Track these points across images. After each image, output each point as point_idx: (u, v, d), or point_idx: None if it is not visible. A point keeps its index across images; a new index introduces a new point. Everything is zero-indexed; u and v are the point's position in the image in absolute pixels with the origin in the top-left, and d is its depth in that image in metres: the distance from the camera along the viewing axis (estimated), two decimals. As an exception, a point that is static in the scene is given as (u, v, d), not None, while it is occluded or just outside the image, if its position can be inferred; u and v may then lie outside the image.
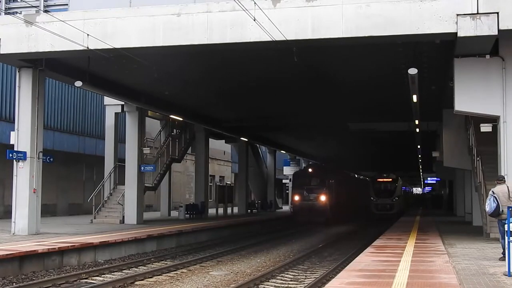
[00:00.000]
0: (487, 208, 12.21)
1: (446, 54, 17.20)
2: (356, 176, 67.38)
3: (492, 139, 17.52)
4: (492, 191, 12.33)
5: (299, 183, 38.02)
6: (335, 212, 37.94)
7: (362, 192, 53.34)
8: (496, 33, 14.41)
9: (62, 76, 21.62)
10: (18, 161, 19.25)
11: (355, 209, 48.68)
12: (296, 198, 37.11)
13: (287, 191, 57.47)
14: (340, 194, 40.73)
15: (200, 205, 32.65)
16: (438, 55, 18.05)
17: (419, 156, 45.58)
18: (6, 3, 19.10)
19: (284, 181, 56.79)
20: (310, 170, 39.13)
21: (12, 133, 19.86)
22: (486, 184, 18.82)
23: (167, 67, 20.38)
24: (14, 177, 19.41)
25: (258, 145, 47.90)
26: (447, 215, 41.32)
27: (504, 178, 13.24)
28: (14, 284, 12.82)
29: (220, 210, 37.37)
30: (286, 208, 53.90)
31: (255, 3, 14.47)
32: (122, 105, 27.41)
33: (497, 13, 14.33)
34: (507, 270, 10.66)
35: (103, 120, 30.55)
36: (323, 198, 36.43)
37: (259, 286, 13.63)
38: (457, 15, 14.51)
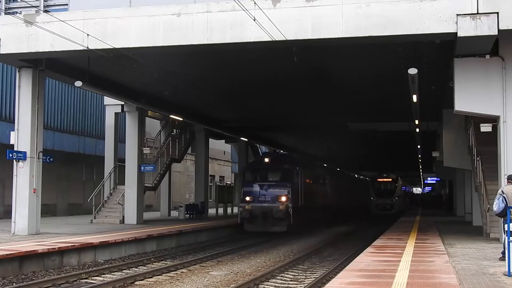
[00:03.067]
0: (495, 208, 12.08)
1: (446, 54, 17.20)
2: (345, 171, 59.18)
3: (492, 139, 17.52)
4: (502, 191, 12.19)
5: (252, 179, 28.21)
6: (305, 218, 28.95)
7: (354, 191, 49.82)
8: (496, 33, 14.41)
9: (62, 76, 21.64)
10: (18, 161, 19.25)
11: (342, 212, 42.17)
12: (247, 199, 26.99)
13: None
14: (315, 193, 32.65)
15: (200, 205, 32.65)
16: (438, 55, 18.04)
17: (419, 156, 45.57)
18: (6, 3, 19.10)
19: None
20: (267, 160, 28.88)
21: (12, 133, 19.86)
22: (486, 184, 18.83)
23: (167, 67, 20.38)
24: (14, 177, 19.41)
25: (258, 145, 47.89)
26: (447, 215, 41.32)
27: None
28: (14, 284, 12.81)
29: (220, 210, 37.37)
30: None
31: (255, 3, 14.46)
32: (122, 105, 27.41)
33: (497, 13, 14.33)
34: (507, 270, 10.66)
35: (103, 120, 30.55)
36: (284, 199, 26.69)
37: (259, 286, 13.63)
38: (457, 15, 14.50)
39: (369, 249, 15.45)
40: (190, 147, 35.87)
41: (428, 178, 75.77)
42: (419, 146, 39.23)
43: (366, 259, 13.21)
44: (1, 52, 17.68)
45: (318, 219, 33.63)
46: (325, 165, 45.14)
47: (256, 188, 27.33)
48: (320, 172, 37.06)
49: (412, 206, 70.96)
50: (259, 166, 28.76)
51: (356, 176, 63.23)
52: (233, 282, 13.94)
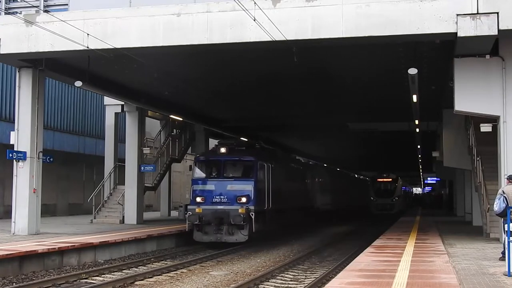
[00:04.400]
0: (496, 208, 12.08)
1: (446, 54, 17.20)
2: (337, 168, 55.40)
3: (492, 139, 17.52)
4: (502, 191, 12.20)
5: (204, 174, 22.22)
6: (275, 224, 23.94)
7: (348, 191, 47.05)
8: (496, 33, 14.41)
9: (62, 76, 21.64)
10: (18, 161, 19.24)
11: (333, 215, 38.89)
12: (197, 200, 21.23)
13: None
14: (292, 193, 27.42)
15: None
16: (438, 55, 18.04)
17: (419, 156, 45.57)
18: (6, 3, 19.10)
19: None
20: (223, 150, 22.05)
21: (12, 133, 19.86)
22: (486, 184, 18.83)
23: (167, 67, 20.38)
24: (14, 177, 19.41)
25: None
26: (447, 215, 41.32)
27: None
28: (14, 284, 12.82)
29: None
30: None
31: (255, 3, 14.47)
32: (122, 105, 27.41)
33: (497, 13, 14.34)
34: (507, 270, 10.66)
35: (103, 120, 30.55)
36: (245, 200, 20.83)
37: (259, 286, 13.63)
38: (457, 15, 14.51)
39: (369, 249, 15.46)
40: (190, 147, 35.85)
41: (428, 178, 75.75)
42: (419, 146, 39.23)
43: (366, 259, 13.21)
44: (1, 52, 17.68)
45: (296, 224, 28.59)
46: (311, 161, 42.15)
47: (210, 186, 21.56)
48: (301, 168, 31.60)
49: (412, 206, 70.92)
50: (213, 158, 22.21)
51: (350, 174, 60.75)
52: (233, 282, 13.94)
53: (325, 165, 50.73)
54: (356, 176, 65.25)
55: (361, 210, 51.40)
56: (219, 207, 20.86)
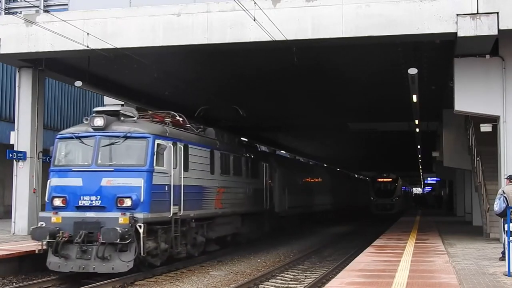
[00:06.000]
0: (496, 208, 12.10)
1: (446, 54, 17.20)
2: (316, 162, 49.52)
3: (492, 139, 17.53)
4: (502, 191, 12.21)
5: (65, 161, 14.36)
6: (192, 239, 16.11)
7: (335, 189, 41.49)
8: (496, 33, 14.43)
9: (62, 76, 21.62)
10: (18, 161, 19.24)
11: (310, 218, 33.20)
12: (55, 203, 13.78)
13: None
14: (231, 192, 19.19)
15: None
16: (438, 55, 18.05)
17: (419, 156, 45.60)
18: (6, 3, 19.12)
19: None
20: (99, 122, 13.98)
21: (12, 133, 19.87)
22: (486, 184, 18.83)
23: (167, 67, 20.38)
24: (14, 177, 19.41)
25: (258, 145, 47.82)
26: (447, 215, 41.33)
27: None
28: (14, 284, 12.80)
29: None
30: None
31: (255, 3, 14.47)
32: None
33: (497, 13, 14.36)
34: (507, 270, 10.66)
35: (103, 120, 30.40)
36: (129, 203, 13.40)
37: (259, 286, 13.63)
38: (457, 15, 14.53)
39: (369, 249, 15.46)
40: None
41: (428, 178, 75.79)
42: (419, 146, 39.25)
43: (366, 259, 13.21)
44: (1, 52, 17.69)
45: (237, 238, 20.54)
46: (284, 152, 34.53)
47: (75, 180, 13.77)
48: (249, 154, 21.94)
49: (412, 206, 70.83)
50: (83, 135, 14.08)
51: (338, 169, 56.41)
52: (233, 282, 13.93)
53: (310, 161, 47.66)
54: (350, 175, 63.27)
55: (360, 211, 51.34)
56: (88, 214, 13.32)
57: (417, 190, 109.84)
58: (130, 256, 13.06)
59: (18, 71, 19.60)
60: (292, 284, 14.15)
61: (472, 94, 16.39)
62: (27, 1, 17.78)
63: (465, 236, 19.50)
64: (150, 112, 16.58)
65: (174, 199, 14.59)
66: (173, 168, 14.68)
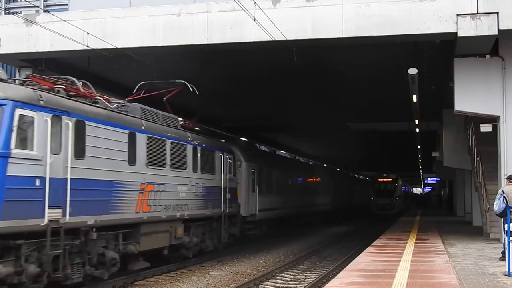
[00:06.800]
0: (496, 208, 12.09)
1: (446, 54, 17.21)
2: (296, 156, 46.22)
3: (492, 139, 17.53)
4: (502, 191, 12.20)
5: None
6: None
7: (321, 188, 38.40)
8: (496, 33, 14.42)
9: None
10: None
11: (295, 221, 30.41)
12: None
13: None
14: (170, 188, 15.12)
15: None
16: (438, 55, 18.05)
17: (419, 156, 45.62)
18: (6, 3, 19.11)
19: None
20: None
21: (12, 133, 19.79)
22: (486, 184, 18.83)
23: (167, 67, 20.37)
24: None
25: (257, 145, 47.88)
26: (447, 215, 41.34)
27: None
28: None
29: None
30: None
31: (255, 3, 14.46)
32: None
33: (497, 13, 14.35)
34: (507, 270, 10.66)
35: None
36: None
37: (259, 286, 13.64)
38: (457, 15, 14.52)
39: (369, 249, 15.46)
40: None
41: (428, 178, 75.81)
42: (419, 146, 39.26)
43: (366, 259, 13.21)
44: (1, 52, 17.67)
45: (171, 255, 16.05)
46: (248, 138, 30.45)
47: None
48: (198, 142, 17.57)
49: (412, 206, 70.75)
50: None
51: (326, 165, 53.58)
52: (233, 282, 13.95)
53: (301, 159, 45.81)
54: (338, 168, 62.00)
55: (360, 211, 51.38)
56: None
57: (417, 190, 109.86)
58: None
59: (18, 71, 19.57)
60: (292, 284, 14.16)
61: (472, 94, 16.39)
62: (27, 1, 17.77)
63: (465, 236, 19.50)
64: (40, 76, 12.34)
65: (52, 199, 10.06)
66: (53, 154, 10.21)
